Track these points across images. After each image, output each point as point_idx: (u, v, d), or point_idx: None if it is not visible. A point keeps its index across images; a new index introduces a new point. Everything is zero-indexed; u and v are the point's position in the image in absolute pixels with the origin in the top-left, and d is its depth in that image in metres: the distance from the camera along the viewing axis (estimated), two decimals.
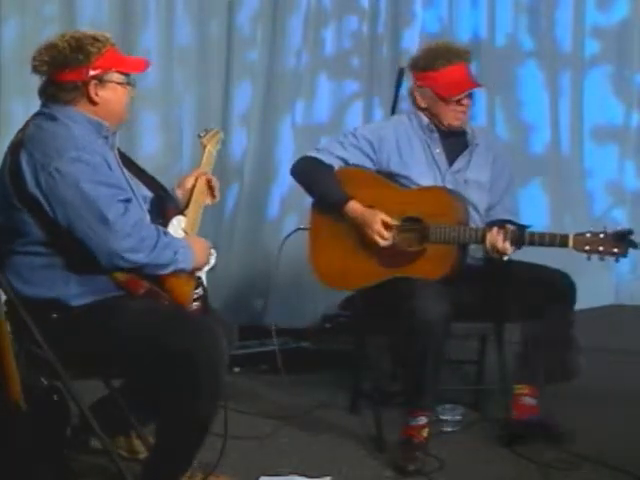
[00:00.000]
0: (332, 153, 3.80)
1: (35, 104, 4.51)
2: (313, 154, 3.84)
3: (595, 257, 3.43)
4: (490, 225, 3.62)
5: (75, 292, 2.92)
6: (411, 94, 3.84)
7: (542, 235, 3.52)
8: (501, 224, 3.62)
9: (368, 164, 3.79)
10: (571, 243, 3.45)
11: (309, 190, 3.87)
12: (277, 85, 5.35)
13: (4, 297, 2.75)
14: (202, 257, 3.11)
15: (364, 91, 5.63)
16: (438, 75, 3.70)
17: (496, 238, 3.52)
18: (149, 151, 5.01)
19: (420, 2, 5.77)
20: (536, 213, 5.72)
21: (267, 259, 5.06)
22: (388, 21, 5.66)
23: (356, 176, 3.78)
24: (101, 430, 2.78)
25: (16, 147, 2.92)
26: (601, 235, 3.42)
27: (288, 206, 5.34)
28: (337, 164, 3.79)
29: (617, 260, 3.45)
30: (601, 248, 3.42)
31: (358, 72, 5.62)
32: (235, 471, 3.41)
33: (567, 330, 3.66)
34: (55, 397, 2.72)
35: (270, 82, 5.33)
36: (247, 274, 5.27)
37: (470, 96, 3.76)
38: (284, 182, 5.35)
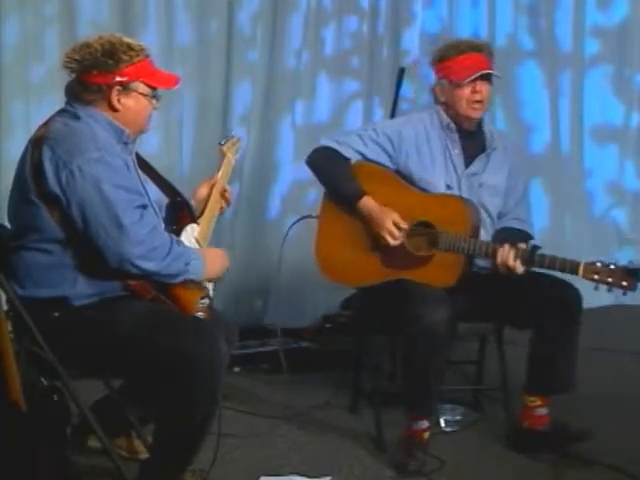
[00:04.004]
0: (351, 146, 3.75)
1: (35, 104, 4.60)
2: (332, 145, 3.78)
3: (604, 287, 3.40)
4: (502, 240, 3.56)
5: (81, 293, 2.92)
6: (433, 89, 3.79)
7: (553, 259, 3.45)
8: (511, 235, 3.61)
9: (386, 161, 3.74)
10: (581, 272, 3.40)
11: (323, 180, 3.81)
12: (277, 85, 5.35)
13: (4, 297, 2.75)
14: (216, 268, 3.10)
15: (364, 91, 5.62)
16: (453, 63, 3.67)
17: (508, 256, 3.47)
18: (149, 151, 4.96)
19: (420, 2, 5.77)
20: (536, 213, 5.70)
21: (267, 259, 5.05)
22: (388, 21, 5.66)
23: (374, 172, 3.74)
24: (101, 430, 2.79)
25: (38, 141, 2.92)
26: (611, 266, 3.38)
27: (288, 206, 5.34)
28: (355, 158, 3.75)
29: (624, 293, 3.41)
30: (610, 279, 3.37)
31: (358, 72, 5.61)
32: (235, 471, 3.41)
33: (575, 342, 3.60)
34: (55, 397, 2.73)
35: (270, 82, 5.33)
36: (247, 274, 5.26)
37: (489, 83, 3.68)
38: (284, 182, 5.35)
